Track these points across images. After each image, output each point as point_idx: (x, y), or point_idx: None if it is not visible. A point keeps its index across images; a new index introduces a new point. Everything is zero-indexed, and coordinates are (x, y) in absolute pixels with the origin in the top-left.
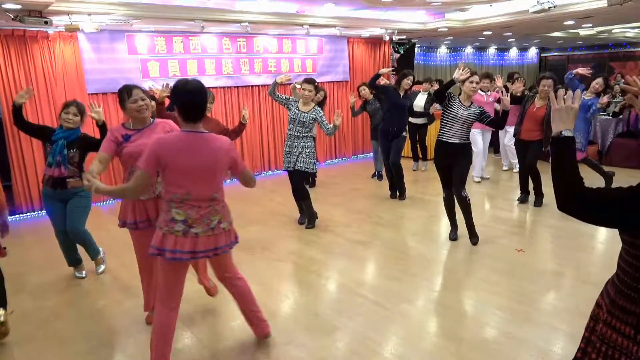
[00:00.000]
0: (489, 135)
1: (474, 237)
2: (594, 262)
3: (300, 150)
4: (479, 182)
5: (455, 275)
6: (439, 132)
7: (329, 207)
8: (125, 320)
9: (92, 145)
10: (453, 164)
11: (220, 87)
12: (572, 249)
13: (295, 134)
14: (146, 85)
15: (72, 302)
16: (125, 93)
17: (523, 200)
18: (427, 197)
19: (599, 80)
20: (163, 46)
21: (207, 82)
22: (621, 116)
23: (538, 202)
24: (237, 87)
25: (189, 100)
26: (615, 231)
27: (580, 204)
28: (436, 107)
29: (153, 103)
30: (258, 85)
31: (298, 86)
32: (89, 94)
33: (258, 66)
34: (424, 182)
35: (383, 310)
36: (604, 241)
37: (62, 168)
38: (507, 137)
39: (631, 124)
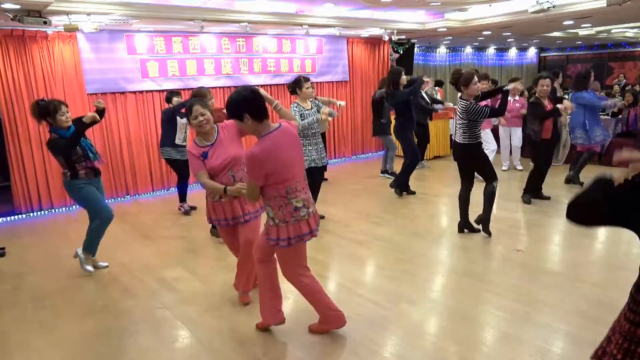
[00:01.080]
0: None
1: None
2: (593, 262)
3: (322, 145)
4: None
5: (455, 275)
6: (477, 136)
7: (329, 207)
8: (125, 320)
9: (80, 123)
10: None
11: (220, 87)
12: (571, 248)
13: (319, 130)
14: (146, 85)
15: (71, 302)
16: (187, 112)
17: (545, 197)
18: (427, 197)
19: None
20: (162, 46)
21: (207, 82)
22: (620, 116)
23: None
24: (237, 87)
25: (253, 103)
26: (614, 231)
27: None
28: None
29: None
30: (257, 85)
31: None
32: (88, 94)
33: (257, 66)
34: (425, 181)
35: (382, 310)
36: (604, 241)
37: (100, 157)
38: (515, 138)
39: (630, 124)
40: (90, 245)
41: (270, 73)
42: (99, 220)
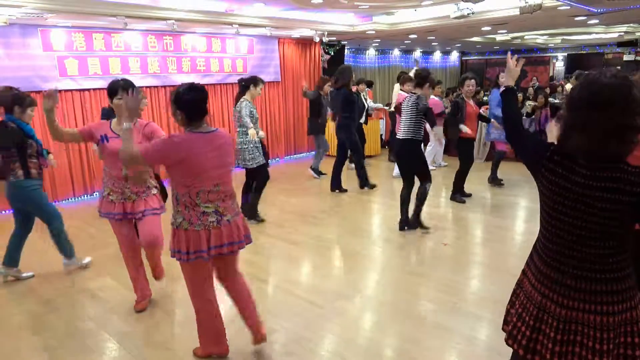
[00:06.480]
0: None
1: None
2: (514, 253)
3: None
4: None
5: (388, 270)
6: (421, 133)
7: (263, 207)
8: (46, 335)
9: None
10: None
11: (147, 87)
12: (493, 241)
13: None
14: (65, 84)
15: None
16: (113, 92)
17: (467, 195)
18: (360, 196)
19: (502, 74)
20: (82, 42)
21: (132, 81)
22: (533, 116)
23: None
24: (165, 86)
25: (192, 101)
26: (533, 224)
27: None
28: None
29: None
30: None
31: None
32: None
33: (186, 65)
34: (357, 180)
35: (318, 309)
36: (521, 233)
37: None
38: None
39: (542, 123)
40: (68, 250)
41: (200, 72)
42: (59, 221)
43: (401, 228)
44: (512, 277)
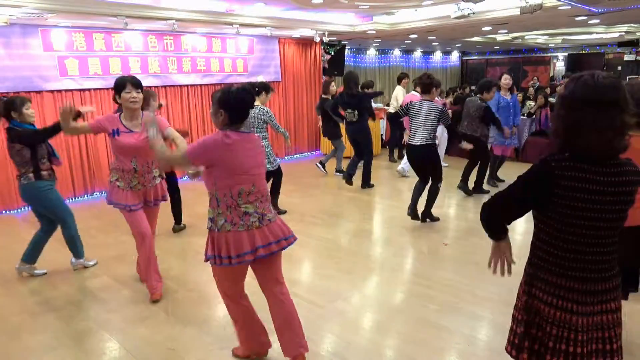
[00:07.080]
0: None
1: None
2: (514, 253)
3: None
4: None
5: (388, 270)
6: (435, 137)
7: None
8: (46, 335)
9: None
10: None
11: (147, 87)
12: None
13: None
14: (65, 84)
15: None
16: (119, 87)
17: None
18: (360, 196)
19: (505, 76)
20: (82, 42)
21: None
22: (534, 116)
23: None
24: (165, 86)
25: (241, 102)
26: (529, 225)
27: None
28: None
29: (141, 96)
30: (187, 85)
31: None
32: None
33: (187, 65)
34: (357, 180)
35: (318, 309)
36: (522, 233)
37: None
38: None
39: (542, 123)
40: (80, 250)
41: (200, 73)
42: (70, 223)
43: (414, 217)
44: (512, 277)
